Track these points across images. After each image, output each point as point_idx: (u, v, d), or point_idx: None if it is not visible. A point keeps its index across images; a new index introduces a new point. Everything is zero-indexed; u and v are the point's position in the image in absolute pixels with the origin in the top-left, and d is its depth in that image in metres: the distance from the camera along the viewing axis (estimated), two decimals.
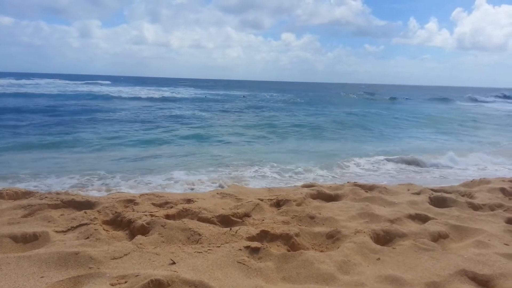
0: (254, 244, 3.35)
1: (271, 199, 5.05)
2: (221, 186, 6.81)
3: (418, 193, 5.53)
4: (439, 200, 5.22)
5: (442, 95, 62.44)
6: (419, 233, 3.83)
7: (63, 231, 3.64)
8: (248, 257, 3.17)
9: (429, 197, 5.26)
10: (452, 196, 5.32)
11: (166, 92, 46.78)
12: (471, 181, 6.72)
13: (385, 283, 2.84)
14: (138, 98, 35.06)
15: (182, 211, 4.32)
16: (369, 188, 5.76)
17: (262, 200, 4.94)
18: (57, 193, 4.79)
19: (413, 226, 4.14)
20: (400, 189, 5.84)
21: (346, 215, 4.43)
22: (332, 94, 65.81)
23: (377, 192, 5.53)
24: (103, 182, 7.20)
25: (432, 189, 5.74)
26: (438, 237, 3.84)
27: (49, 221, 3.88)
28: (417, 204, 4.96)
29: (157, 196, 4.98)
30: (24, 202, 4.51)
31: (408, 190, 5.74)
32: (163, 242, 3.45)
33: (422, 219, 4.43)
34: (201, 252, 3.22)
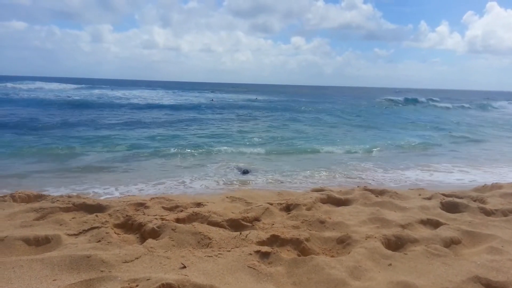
0: (265, 248, 3.35)
1: (280, 203, 5.04)
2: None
3: (429, 198, 5.49)
4: (451, 205, 5.16)
5: (472, 100, 58.11)
6: (431, 239, 3.79)
7: (74, 234, 3.67)
8: (258, 261, 3.17)
9: (441, 202, 5.21)
10: (464, 201, 5.26)
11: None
12: (483, 186, 6.65)
13: None
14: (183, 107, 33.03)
15: (192, 215, 4.34)
16: (380, 192, 5.73)
17: (271, 204, 4.94)
18: (69, 196, 4.84)
19: (424, 232, 4.10)
20: (411, 194, 5.80)
21: (357, 220, 4.41)
22: (368, 98, 57.55)
23: (388, 197, 5.49)
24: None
25: (443, 194, 5.68)
26: (450, 243, 3.80)
27: (61, 224, 3.92)
28: (429, 209, 4.91)
29: (167, 200, 5.00)
30: (36, 205, 4.57)
31: (419, 195, 5.70)
32: (174, 246, 3.47)
33: (433, 224, 4.39)
34: (211, 256, 3.23)
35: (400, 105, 43.65)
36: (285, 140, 14.59)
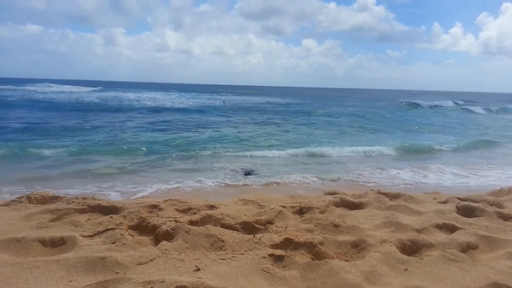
0: (278, 252, 3.33)
1: (293, 206, 5.02)
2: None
3: (444, 202, 5.40)
4: (467, 210, 5.07)
5: (487, 102, 55.63)
6: (447, 243, 3.73)
7: (90, 236, 3.70)
8: (272, 265, 3.15)
9: (456, 206, 5.12)
10: (480, 205, 5.16)
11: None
12: (499, 190, 6.52)
13: None
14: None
15: (205, 217, 4.34)
16: (394, 196, 5.65)
17: (284, 207, 4.91)
18: (84, 198, 4.88)
19: (440, 236, 4.04)
20: (426, 197, 5.71)
21: (371, 223, 4.36)
22: (385, 100, 54.00)
23: (403, 201, 5.42)
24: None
25: (459, 198, 5.59)
26: (467, 248, 3.73)
27: (76, 226, 3.95)
28: (444, 213, 4.83)
29: (180, 202, 5.01)
30: (52, 206, 4.62)
31: (434, 198, 5.61)
32: (188, 248, 3.47)
33: (449, 228, 4.31)
34: (225, 259, 3.22)
35: (425, 107, 42.05)
36: (293, 143, 14.61)
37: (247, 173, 8.75)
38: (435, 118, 29.26)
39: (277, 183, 8.03)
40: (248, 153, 11.84)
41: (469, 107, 42.34)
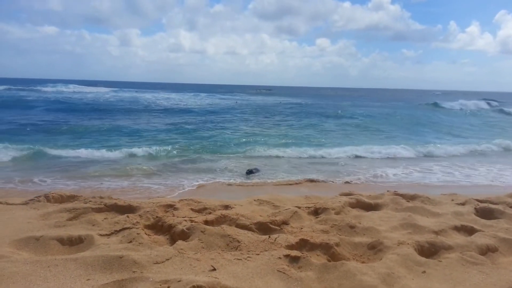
0: (294, 252, 3.30)
1: (308, 207, 4.99)
2: None
3: (463, 204, 5.30)
4: (486, 211, 4.98)
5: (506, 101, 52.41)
6: (466, 246, 3.66)
7: (107, 235, 3.74)
8: (288, 266, 3.13)
9: (475, 208, 5.02)
10: (500, 207, 5.06)
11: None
12: None
13: None
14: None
15: (221, 217, 4.34)
16: (411, 197, 5.57)
17: (299, 207, 4.89)
18: (101, 197, 4.93)
19: (459, 238, 3.97)
20: (444, 199, 5.62)
21: (388, 225, 4.30)
22: (407, 101, 50.69)
23: (420, 202, 5.34)
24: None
25: (477, 200, 5.48)
26: (486, 251, 3.65)
27: (93, 225, 4.00)
28: (463, 215, 4.75)
29: (195, 202, 5.03)
30: (69, 205, 4.68)
31: (452, 200, 5.51)
32: (203, 248, 3.47)
33: (468, 231, 4.24)
34: (240, 259, 3.21)
35: (455, 109, 38.86)
36: (305, 143, 14.56)
37: (249, 172, 8.87)
38: (475, 120, 27.52)
39: (287, 184, 8.07)
40: (258, 153, 11.92)
41: (504, 108, 39.63)
